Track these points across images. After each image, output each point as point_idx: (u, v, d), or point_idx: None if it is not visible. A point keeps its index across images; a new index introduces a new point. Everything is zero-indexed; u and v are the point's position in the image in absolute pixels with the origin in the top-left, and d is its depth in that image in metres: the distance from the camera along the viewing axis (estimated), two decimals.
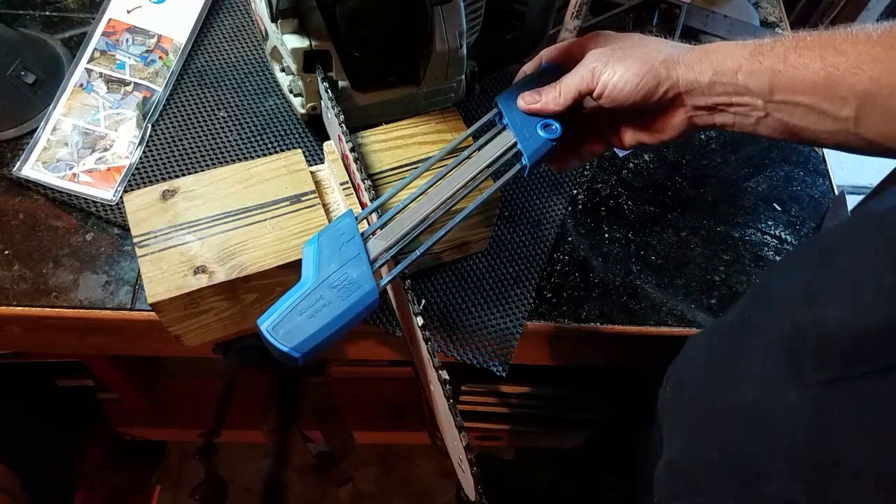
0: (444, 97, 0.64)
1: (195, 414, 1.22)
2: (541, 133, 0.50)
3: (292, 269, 0.51)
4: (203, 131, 0.66)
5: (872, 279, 0.34)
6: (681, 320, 0.64)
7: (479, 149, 0.51)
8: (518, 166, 0.50)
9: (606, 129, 0.52)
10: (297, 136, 0.68)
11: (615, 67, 0.45)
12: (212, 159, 0.65)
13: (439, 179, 0.50)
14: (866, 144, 0.40)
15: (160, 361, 1.24)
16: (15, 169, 0.61)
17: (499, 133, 0.51)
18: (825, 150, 0.78)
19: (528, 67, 0.54)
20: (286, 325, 0.40)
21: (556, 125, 0.50)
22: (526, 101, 0.50)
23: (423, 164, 0.52)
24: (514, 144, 0.50)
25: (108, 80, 0.66)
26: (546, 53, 0.53)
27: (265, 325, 0.40)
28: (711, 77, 0.43)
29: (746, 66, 0.42)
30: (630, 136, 0.50)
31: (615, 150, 0.73)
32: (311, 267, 0.43)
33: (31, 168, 0.62)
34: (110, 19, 0.69)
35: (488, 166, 0.50)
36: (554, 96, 0.49)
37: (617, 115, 0.50)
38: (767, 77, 0.41)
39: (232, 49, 0.72)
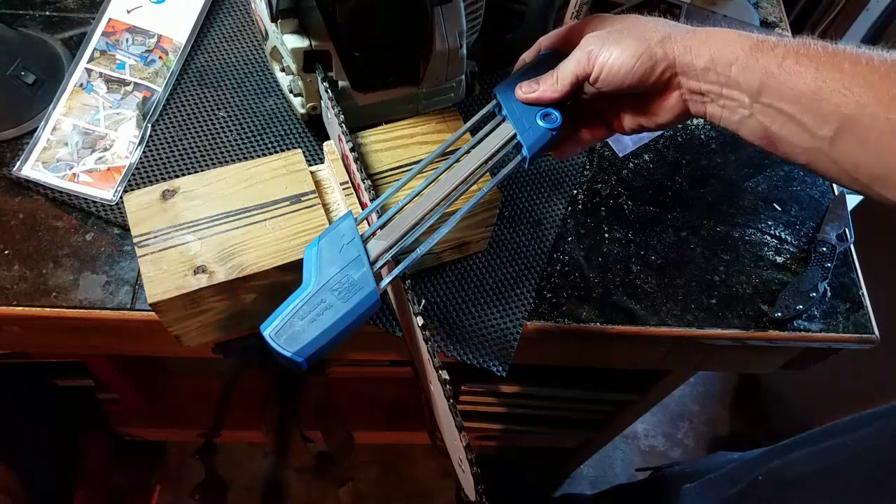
0: (444, 97, 0.64)
1: (195, 414, 1.23)
2: (540, 123, 0.49)
3: (292, 270, 0.51)
4: (203, 131, 0.66)
5: None
6: (681, 320, 0.64)
7: (477, 143, 0.50)
8: (518, 158, 0.50)
9: (607, 114, 0.51)
10: (297, 136, 0.68)
11: (611, 49, 0.44)
12: (212, 159, 0.65)
13: (438, 176, 0.50)
14: (836, 170, 0.40)
15: (160, 361, 1.24)
16: (15, 169, 0.61)
17: (498, 125, 0.51)
18: None
19: (526, 56, 0.53)
20: (288, 330, 0.40)
21: (556, 114, 0.49)
22: (523, 90, 0.49)
23: (422, 161, 0.51)
24: (514, 136, 0.49)
25: (108, 80, 0.66)
26: (544, 40, 0.52)
27: (267, 330, 0.40)
28: (706, 63, 0.42)
29: (742, 59, 0.41)
30: (629, 120, 0.50)
31: (615, 150, 0.73)
32: (312, 270, 0.43)
33: (31, 168, 0.62)
34: (110, 19, 0.69)
35: (487, 160, 0.50)
36: (551, 83, 0.48)
37: (617, 98, 0.49)
38: (759, 76, 0.40)
39: (232, 49, 0.72)
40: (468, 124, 0.52)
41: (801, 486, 0.55)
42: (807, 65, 0.38)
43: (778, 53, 0.40)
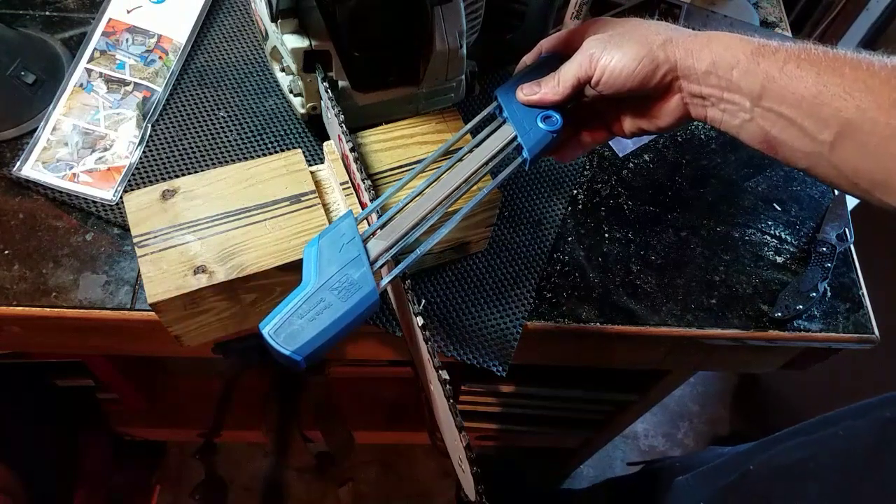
0: (444, 97, 0.64)
1: (195, 414, 1.23)
2: (541, 125, 0.49)
3: (292, 270, 0.51)
4: (203, 131, 0.66)
5: None
6: (681, 320, 0.64)
7: (478, 144, 0.50)
8: (519, 160, 0.50)
9: (608, 117, 0.51)
10: (297, 136, 0.68)
11: (612, 53, 0.44)
12: (212, 159, 0.65)
13: (439, 177, 0.50)
14: (836, 175, 0.40)
15: (160, 361, 1.24)
16: (15, 169, 0.61)
17: (499, 127, 0.51)
18: None
19: (528, 58, 0.53)
20: (287, 328, 0.40)
21: (557, 116, 0.49)
22: (525, 92, 0.50)
23: (423, 162, 0.52)
24: (515, 138, 0.49)
25: (108, 80, 0.66)
26: (546, 43, 0.52)
27: (266, 329, 0.40)
28: (708, 67, 0.42)
29: (744, 63, 0.41)
30: (630, 123, 0.50)
31: (615, 150, 0.73)
32: (311, 269, 0.43)
33: (31, 168, 0.62)
34: (110, 19, 0.69)
35: (488, 162, 0.50)
36: (553, 86, 0.48)
37: (617, 102, 0.49)
38: (760, 80, 0.40)
39: (232, 49, 0.72)
40: (469, 125, 0.52)
41: (790, 473, 0.55)
42: (808, 69, 0.39)
43: (779, 58, 0.40)
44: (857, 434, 0.51)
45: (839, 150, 0.38)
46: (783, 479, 0.56)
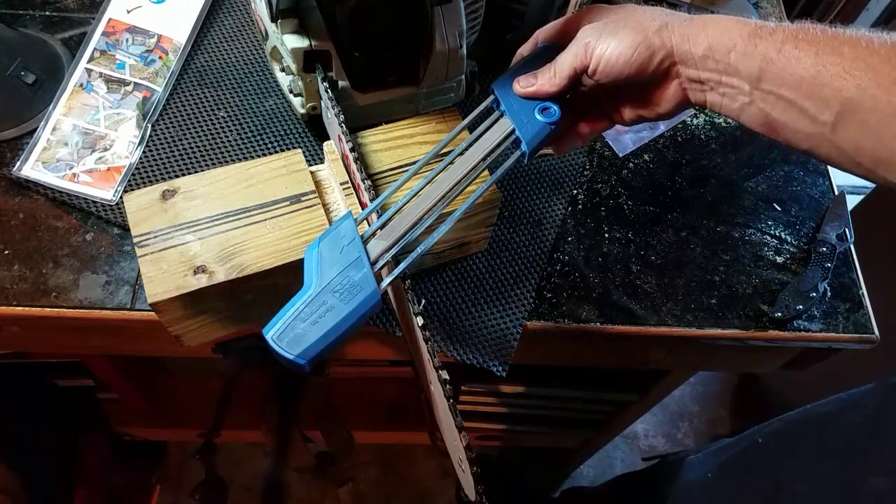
0: (443, 97, 0.64)
1: (195, 414, 1.23)
2: (539, 117, 0.48)
3: (292, 270, 0.51)
4: (203, 131, 0.66)
5: None
6: (681, 320, 0.64)
7: (476, 139, 0.50)
8: (517, 154, 0.50)
9: (606, 106, 0.51)
10: (297, 136, 0.68)
11: (608, 41, 0.44)
12: (212, 159, 0.65)
13: (437, 174, 0.50)
14: (839, 155, 0.39)
15: (160, 361, 1.24)
16: (15, 169, 0.61)
17: (496, 121, 0.50)
18: None
19: (524, 49, 0.53)
20: (291, 332, 0.40)
21: (555, 108, 0.49)
22: (521, 84, 0.49)
23: (421, 160, 0.51)
24: (512, 132, 0.49)
25: (108, 80, 0.66)
26: (541, 33, 0.52)
27: (270, 333, 0.40)
28: (705, 51, 0.42)
29: (741, 46, 0.40)
30: (629, 112, 0.49)
31: (615, 150, 0.73)
32: (313, 272, 0.43)
33: (31, 168, 0.62)
34: (110, 19, 0.69)
35: (486, 156, 0.49)
36: (549, 77, 0.48)
37: (616, 90, 0.49)
38: (759, 63, 0.40)
39: (232, 49, 0.72)
40: (466, 120, 0.52)
41: (795, 442, 0.56)
42: (806, 49, 0.38)
43: (777, 39, 0.39)
44: (863, 403, 0.51)
45: (841, 129, 0.38)
46: (788, 447, 0.57)
